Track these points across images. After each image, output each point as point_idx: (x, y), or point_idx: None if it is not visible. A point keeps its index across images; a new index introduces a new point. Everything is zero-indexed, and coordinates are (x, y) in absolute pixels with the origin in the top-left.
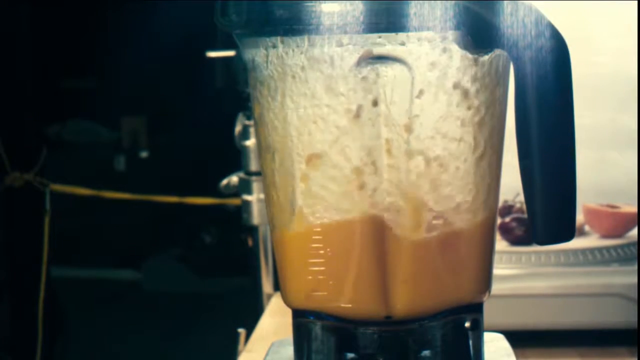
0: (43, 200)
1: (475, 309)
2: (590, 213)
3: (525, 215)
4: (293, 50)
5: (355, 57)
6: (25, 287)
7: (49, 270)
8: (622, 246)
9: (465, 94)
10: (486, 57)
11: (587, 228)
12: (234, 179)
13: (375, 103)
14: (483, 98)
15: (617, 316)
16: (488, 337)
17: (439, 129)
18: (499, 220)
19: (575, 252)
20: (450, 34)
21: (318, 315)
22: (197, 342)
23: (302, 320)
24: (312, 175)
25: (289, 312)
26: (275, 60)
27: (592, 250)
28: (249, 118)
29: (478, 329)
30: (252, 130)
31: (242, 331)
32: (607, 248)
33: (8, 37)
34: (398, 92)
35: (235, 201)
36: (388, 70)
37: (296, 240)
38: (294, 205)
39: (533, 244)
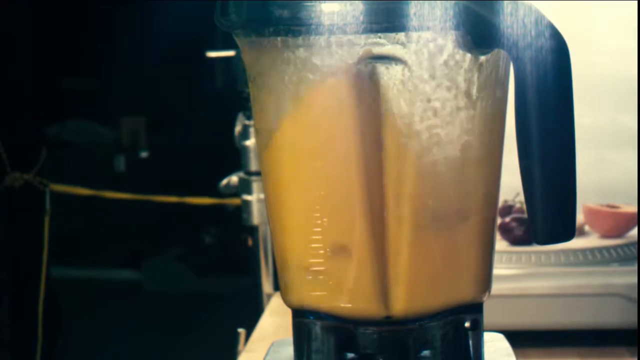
0: (43, 200)
1: (475, 309)
2: (590, 213)
3: (525, 215)
4: (293, 50)
5: (355, 57)
6: (25, 287)
7: (49, 270)
8: (622, 246)
9: (465, 93)
10: (486, 57)
11: (587, 228)
12: (234, 179)
13: (375, 102)
14: (483, 98)
15: (617, 316)
16: (488, 337)
17: (438, 128)
18: (499, 220)
19: (575, 252)
20: (450, 34)
21: (318, 315)
22: (197, 342)
23: (302, 320)
24: (311, 173)
25: (289, 312)
26: (274, 60)
27: (592, 250)
28: (249, 118)
29: (478, 329)
30: (252, 130)
31: (242, 331)
32: (607, 248)
33: (8, 37)
34: (398, 91)
35: (235, 201)
36: (388, 71)
37: (296, 240)
38: (294, 203)
39: (533, 244)
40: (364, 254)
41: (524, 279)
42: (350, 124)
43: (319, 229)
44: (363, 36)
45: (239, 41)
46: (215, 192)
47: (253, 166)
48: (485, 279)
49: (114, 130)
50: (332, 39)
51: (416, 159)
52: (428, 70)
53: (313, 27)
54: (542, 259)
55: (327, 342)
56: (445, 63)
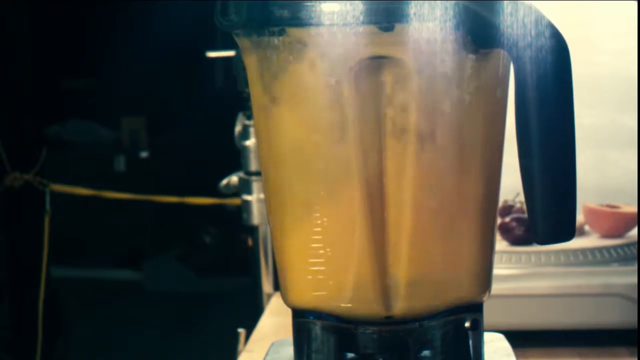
0: (43, 200)
1: (475, 309)
2: (590, 213)
3: (525, 215)
4: (292, 51)
5: (355, 57)
6: (25, 287)
7: (49, 270)
8: (622, 246)
9: (465, 93)
10: (486, 57)
11: (587, 228)
12: (234, 179)
13: (375, 102)
14: (483, 98)
15: (617, 316)
16: (488, 337)
17: (438, 128)
18: (499, 220)
19: (575, 252)
20: (450, 34)
21: (318, 315)
22: (197, 342)
23: (302, 320)
24: (311, 173)
25: (289, 312)
26: (274, 60)
27: (592, 250)
28: (249, 118)
29: (478, 329)
30: (252, 130)
31: (242, 331)
32: (607, 248)
33: (8, 37)
34: (398, 91)
35: (235, 201)
36: (388, 70)
37: (296, 240)
38: (293, 203)
39: (533, 244)
40: (364, 254)
41: (524, 279)
42: (350, 123)
43: (319, 229)
44: (363, 36)
45: (239, 41)
46: (215, 192)
47: (253, 166)
48: (485, 279)
49: (114, 130)
50: (332, 38)
51: (416, 159)
52: (428, 70)
53: (313, 27)
54: (542, 259)
55: (327, 342)
56: (445, 63)
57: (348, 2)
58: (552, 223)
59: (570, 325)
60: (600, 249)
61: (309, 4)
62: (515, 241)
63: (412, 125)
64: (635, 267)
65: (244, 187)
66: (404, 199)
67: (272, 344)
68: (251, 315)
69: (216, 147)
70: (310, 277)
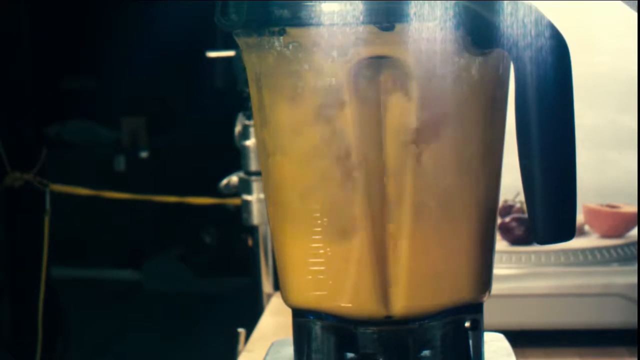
0: (43, 200)
1: (475, 309)
2: (590, 213)
3: (525, 215)
4: (293, 50)
5: (355, 57)
6: (25, 287)
7: (49, 270)
8: (622, 246)
9: (465, 93)
10: (486, 57)
11: (587, 228)
12: (234, 179)
13: (375, 102)
14: (483, 98)
15: (617, 316)
16: (488, 337)
17: (439, 128)
18: (499, 220)
19: (575, 252)
20: (450, 34)
21: (318, 315)
22: (197, 342)
23: (302, 320)
24: (311, 173)
25: (289, 312)
26: (274, 60)
27: (592, 250)
28: (249, 118)
29: (478, 329)
30: (252, 130)
31: (242, 331)
32: (607, 248)
33: (8, 37)
34: (398, 91)
35: (235, 201)
36: (388, 70)
37: (296, 240)
38: (293, 202)
39: (533, 244)
40: (364, 253)
41: (524, 279)
42: (350, 123)
43: (319, 229)
44: (363, 36)
45: (239, 41)
46: (215, 192)
47: (253, 166)
48: (485, 279)
49: (114, 130)
50: (332, 38)
51: (416, 159)
52: (428, 70)
53: (313, 27)
54: (542, 259)
55: (327, 342)
56: (445, 63)
57: (348, 2)
58: (552, 223)
59: (570, 325)
60: (600, 249)
61: (309, 4)
62: (515, 241)
63: (412, 125)
64: (635, 267)
65: (244, 187)
66: (404, 199)
67: (272, 344)
68: (251, 315)
69: (216, 147)
70: (310, 277)
